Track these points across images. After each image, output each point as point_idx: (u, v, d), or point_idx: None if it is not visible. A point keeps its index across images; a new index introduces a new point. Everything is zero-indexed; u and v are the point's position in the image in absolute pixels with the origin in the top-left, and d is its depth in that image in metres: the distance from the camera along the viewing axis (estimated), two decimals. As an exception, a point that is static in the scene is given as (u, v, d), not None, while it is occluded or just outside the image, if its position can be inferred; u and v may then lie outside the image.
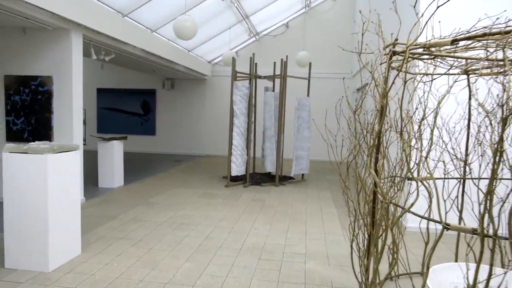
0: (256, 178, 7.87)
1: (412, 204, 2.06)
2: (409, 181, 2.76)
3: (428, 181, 2.23)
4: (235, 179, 7.73)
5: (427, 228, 2.58)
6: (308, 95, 8.06)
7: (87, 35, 5.59)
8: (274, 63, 8.42)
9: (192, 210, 5.34)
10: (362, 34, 2.47)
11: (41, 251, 3.18)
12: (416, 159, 2.32)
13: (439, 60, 2.52)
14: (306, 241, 4.19)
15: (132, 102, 12.53)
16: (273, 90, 8.32)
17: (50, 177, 3.17)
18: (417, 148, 2.22)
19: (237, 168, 7.31)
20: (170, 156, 11.72)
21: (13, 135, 5.39)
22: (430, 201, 1.98)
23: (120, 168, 6.87)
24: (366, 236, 2.66)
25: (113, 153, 6.64)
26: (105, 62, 7.63)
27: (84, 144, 9.49)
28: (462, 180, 3.11)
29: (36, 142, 3.38)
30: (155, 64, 8.71)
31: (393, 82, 2.12)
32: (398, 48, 2.39)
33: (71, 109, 5.36)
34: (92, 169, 7.54)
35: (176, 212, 5.23)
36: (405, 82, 2.04)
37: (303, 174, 8.12)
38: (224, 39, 10.51)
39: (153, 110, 12.46)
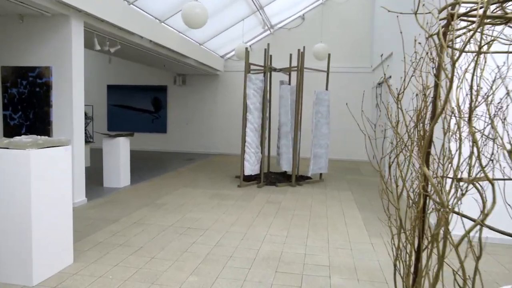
0: (271, 177, 7.36)
1: (487, 215, 1.53)
2: (461, 183, 2.20)
3: (481, 182, 1.70)
4: (249, 179, 7.24)
5: (480, 239, 2.04)
6: (326, 89, 7.51)
7: (88, 23, 5.18)
8: (290, 55, 7.90)
9: (201, 213, 4.87)
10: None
11: (24, 261, 2.74)
12: (485, 154, 1.76)
13: None
14: (329, 250, 3.67)
15: (143, 99, 12.18)
16: (289, 84, 7.80)
17: (34, 175, 2.73)
18: (493, 139, 1.66)
19: (251, 167, 6.82)
20: (182, 155, 11.31)
21: (10, 131, 5.02)
22: (492, 206, 1.48)
23: (126, 166, 6.46)
24: (411, 251, 2.11)
25: (118, 151, 6.23)
26: (111, 55, 7.24)
27: (91, 142, 9.20)
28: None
29: (23, 136, 2.96)
30: (164, 58, 8.29)
31: (462, 50, 1.54)
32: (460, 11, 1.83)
33: (71, 102, 4.96)
34: (98, 168, 7.16)
35: (184, 214, 4.77)
36: (480, 48, 1.46)
37: (321, 174, 7.58)
38: (237, 32, 10.04)
39: (164, 107, 12.08)
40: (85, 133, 8.72)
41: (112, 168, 6.25)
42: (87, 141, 8.56)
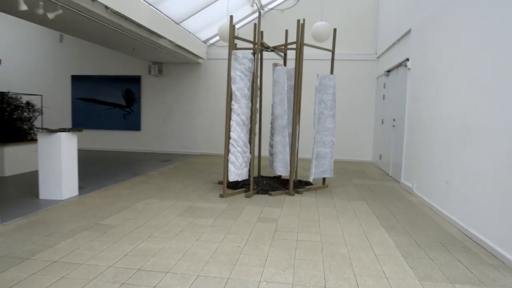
0: (263, 184, 5.87)
1: None
2: None
3: None
4: (235, 186, 5.74)
5: None
6: (332, 73, 6.05)
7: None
8: (286, 31, 6.42)
9: (163, 241, 3.35)
10: None
11: None
12: None
13: None
14: (367, 314, 2.20)
15: (113, 91, 10.54)
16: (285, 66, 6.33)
17: None
18: None
19: (237, 170, 5.32)
20: (158, 156, 9.73)
21: None
22: None
23: (72, 172, 4.88)
24: None
25: (60, 151, 4.65)
26: (60, 34, 5.63)
27: (32, 139, 7.53)
28: None
29: None
30: (131, 36, 6.72)
31: None
32: None
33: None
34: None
35: (136, 244, 3.24)
36: None
37: (324, 179, 6.12)
38: (221, 12, 8.52)
39: (138, 100, 10.47)
40: (30, 129, 7.08)
41: (51, 175, 4.67)
42: (28, 139, 6.92)
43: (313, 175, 5.71)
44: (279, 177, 6.47)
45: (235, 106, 5.27)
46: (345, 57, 9.50)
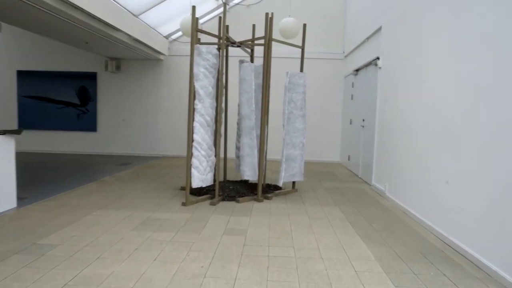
0: (229, 189, 5.47)
1: None
2: None
3: None
4: (199, 192, 5.30)
5: None
6: (301, 70, 5.74)
7: None
8: (253, 25, 6.04)
9: (114, 263, 2.86)
10: None
11: None
12: None
13: None
14: None
15: (66, 88, 9.71)
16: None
17: None
18: None
19: (201, 176, 4.88)
20: (116, 159, 9.05)
21: None
22: None
23: (9, 180, 4.24)
24: None
25: (-7, 156, 4.00)
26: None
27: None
28: None
29: None
30: (83, 28, 6.08)
31: None
32: None
33: None
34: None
35: (80, 269, 2.73)
36: None
37: (294, 182, 5.81)
38: (185, 4, 8.01)
39: (94, 99, 9.71)
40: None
41: (-18, 184, 4.01)
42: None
43: (282, 179, 5.38)
44: (246, 181, 6.09)
45: (198, 105, 4.83)
46: (312, 55, 9.28)
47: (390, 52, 5.58)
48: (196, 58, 4.77)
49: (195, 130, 4.83)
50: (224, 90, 5.97)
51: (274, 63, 8.83)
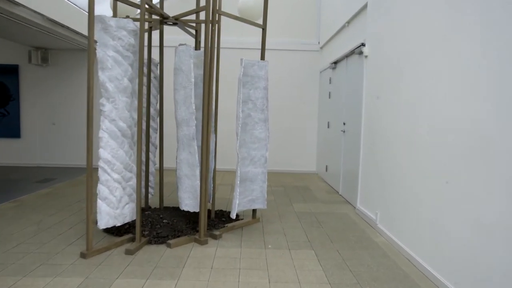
0: (161, 224, 3.89)
1: None
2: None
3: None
4: (119, 230, 3.71)
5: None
6: (263, 58, 4.24)
7: None
8: (197, -3, 4.47)
9: None
10: None
11: None
12: None
13: None
14: None
15: (-21, 85, 7.84)
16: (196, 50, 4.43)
17: None
18: None
19: (113, 210, 3.30)
20: (40, 172, 7.27)
21: None
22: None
23: None
24: None
25: None
26: None
27: None
28: None
29: None
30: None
31: None
32: None
33: None
34: None
35: None
36: None
37: (254, 210, 4.31)
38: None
39: (16, 98, 7.88)
40: None
41: None
42: None
43: (236, 209, 3.85)
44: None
45: (106, 106, 3.23)
46: (280, 46, 7.82)
47: (382, 34, 4.17)
48: (99, 34, 3.18)
49: (102, 144, 3.24)
50: (155, 83, 4.39)
51: (230, 55, 7.31)
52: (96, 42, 3.18)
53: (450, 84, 2.68)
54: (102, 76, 3.19)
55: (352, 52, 5.31)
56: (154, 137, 4.44)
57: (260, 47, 4.28)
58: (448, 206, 2.64)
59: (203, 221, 3.58)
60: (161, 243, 3.51)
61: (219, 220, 4.19)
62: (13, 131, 7.91)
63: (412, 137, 3.28)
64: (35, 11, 5.28)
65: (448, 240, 2.63)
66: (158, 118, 4.41)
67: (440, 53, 2.84)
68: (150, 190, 4.50)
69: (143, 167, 4.20)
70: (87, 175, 3.12)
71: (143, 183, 4.22)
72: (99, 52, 3.17)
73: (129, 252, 3.23)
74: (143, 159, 4.35)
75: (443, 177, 2.72)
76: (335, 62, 6.37)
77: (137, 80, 3.40)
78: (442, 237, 2.71)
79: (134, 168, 3.48)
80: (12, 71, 7.81)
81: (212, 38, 3.61)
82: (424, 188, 3.02)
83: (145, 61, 4.46)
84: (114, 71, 3.23)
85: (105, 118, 3.24)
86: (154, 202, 4.91)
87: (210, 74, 3.56)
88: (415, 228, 3.16)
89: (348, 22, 5.65)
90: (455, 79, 2.62)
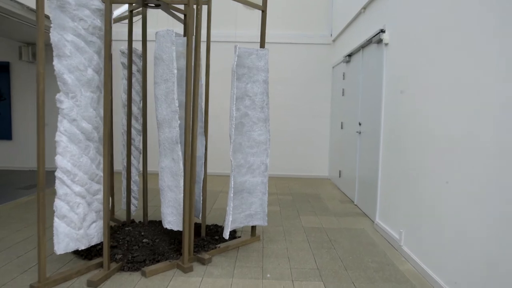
0: (140, 244, 3.26)
1: None
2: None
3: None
4: (89, 252, 3.09)
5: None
6: (263, 46, 3.56)
7: None
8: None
9: None
10: None
11: None
12: None
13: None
14: None
15: (-32, 84, 7.39)
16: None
17: None
18: None
19: (75, 231, 2.68)
20: (31, 176, 6.75)
21: None
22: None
23: None
24: None
25: None
26: None
27: None
28: None
29: None
30: None
31: None
32: None
33: None
34: None
35: None
36: None
37: (254, 227, 3.64)
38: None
39: (7, 97, 7.40)
40: None
41: None
42: None
43: (229, 227, 3.19)
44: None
45: (65, 103, 2.61)
46: (287, 39, 7.13)
47: (407, 15, 3.45)
48: (56, 14, 2.55)
49: (60, 149, 2.62)
50: (140, 79, 3.76)
51: (226, 49, 6.68)
52: (51, 23, 2.57)
53: (498, 73, 1.96)
54: (58, 65, 2.57)
55: (369, 42, 4.59)
56: (138, 140, 3.82)
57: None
58: (507, 229, 1.93)
59: (186, 244, 2.93)
60: (136, 269, 2.87)
61: (211, 238, 3.53)
62: (4, 132, 7.43)
63: (452, 140, 2.56)
64: (29, 8, 4.73)
65: (505, 276, 1.91)
66: (142, 119, 3.78)
67: (490, 36, 2.12)
68: (133, 201, 3.88)
69: (125, 173, 3.57)
70: (38, 188, 2.50)
71: (124, 194, 3.59)
72: (55, 36, 2.55)
73: (91, 285, 2.60)
74: (125, 164, 3.73)
75: (501, 195, 2.00)
76: (349, 55, 5.66)
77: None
78: (495, 271, 1.99)
79: (101, 177, 2.85)
80: (2, 69, 7.33)
81: (198, 20, 2.96)
82: (470, 204, 2.30)
83: (126, 51, 3.85)
84: (74, 59, 2.61)
85: (63, 117, 2.62)
86: (138, 215, 4.29)
87: (196, 64, 2.91)
88: (456, 255, 2.44)
89: (365, 8, 4.93)
90: (508, 67, 1.90)
